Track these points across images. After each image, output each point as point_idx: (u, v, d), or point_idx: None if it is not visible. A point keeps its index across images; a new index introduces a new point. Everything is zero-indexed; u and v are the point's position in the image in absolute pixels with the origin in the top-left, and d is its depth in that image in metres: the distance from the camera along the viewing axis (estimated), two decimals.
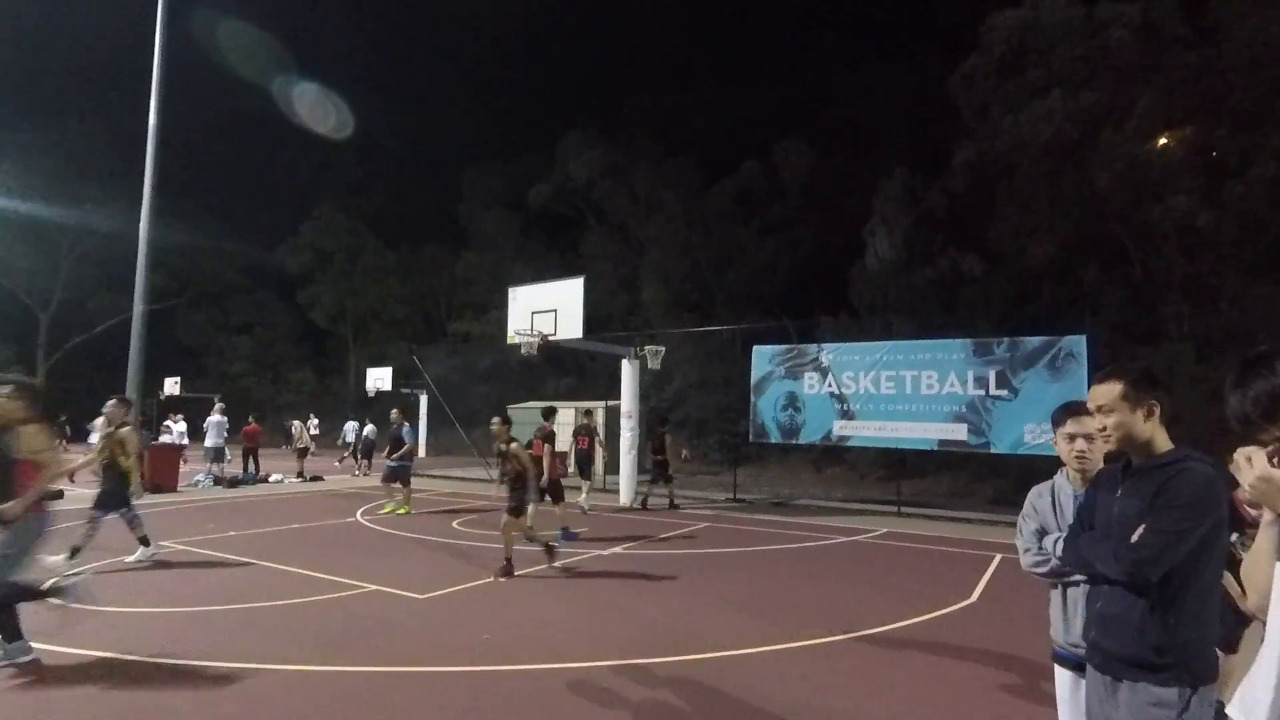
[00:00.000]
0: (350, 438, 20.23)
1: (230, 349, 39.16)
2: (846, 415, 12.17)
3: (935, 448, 11.72)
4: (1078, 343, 10.47)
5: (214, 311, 39.19)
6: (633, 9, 49.61)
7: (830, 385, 12.35)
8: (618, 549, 8.52)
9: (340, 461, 20.26)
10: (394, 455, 11.35)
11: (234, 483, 14.94)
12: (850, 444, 13.15)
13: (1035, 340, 10.82)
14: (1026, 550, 2.34)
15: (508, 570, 6.89)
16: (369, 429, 18.69)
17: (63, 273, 35.14)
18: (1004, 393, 10.79)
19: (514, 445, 7.32)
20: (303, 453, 17.08)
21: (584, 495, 11.62)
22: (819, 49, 41.78)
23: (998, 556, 8.34)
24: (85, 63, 35.87)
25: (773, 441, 13.54)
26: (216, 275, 37.83)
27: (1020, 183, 18.36)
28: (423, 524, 10.22)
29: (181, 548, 8.05)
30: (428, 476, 18.08)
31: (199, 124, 33.47)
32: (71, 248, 34.20)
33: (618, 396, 13.70)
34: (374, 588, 6.31)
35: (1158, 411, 1.90)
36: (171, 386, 25.64)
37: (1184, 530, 1.76)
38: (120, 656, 4.45)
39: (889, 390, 11.77)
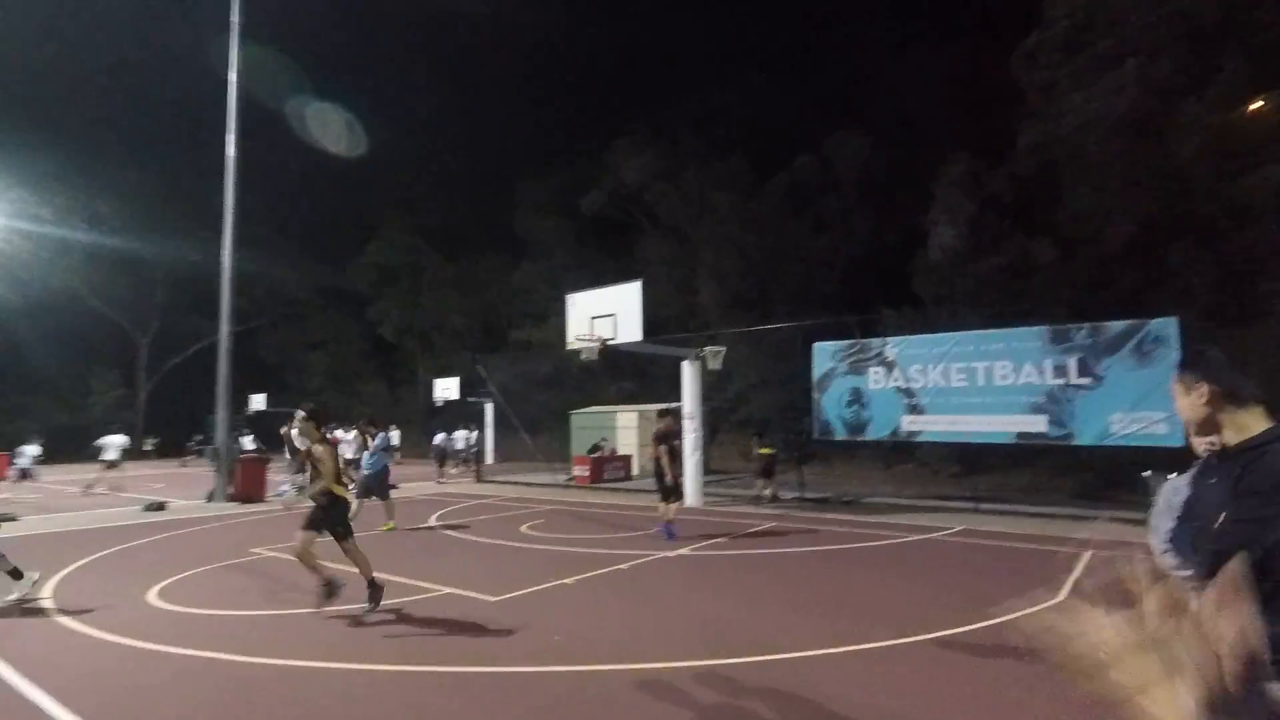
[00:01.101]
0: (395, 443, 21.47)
1: (308, 365, 41.24)
2: (915, 410, 11.81)
3: (1013, 441, 11.22)
4: (1167, 326, 9.84)
5: (292, 330, 41.34)
6: (674, 9, 49.63)
7: (896, 379, 12.01)
8: (684, 550, 8.52)
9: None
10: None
11: None
12: (920, 439, 12.75)
13: (1118, 325, 10.23)
14: (1165, 551, 2.17)
15: (332, 590, 5.69)
16: (440, 436, 19.40)
17: (158, 300, 37.82)
18: (1086, 381, 10.24)
19: (320, 449, 6.02)
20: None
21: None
22: (867, 35, 40.69)
23: (1088, 554, 7.92)
24: (169, 101, 38.48)
25: (838, 439, 13.26)
26: (292, 296, 39.95)
27: (1092, 162, 17.41)
28: (492, 528, 10.48)
29: (270, 554, 8.51)
30: (494, 482, 18.52)
31: (269, 152, 35.33)
32: (165, 275, 36.73)
33: (678, 399, 13.71)
34: (448, 590, 6.51)
35: (1207, 393, 1.79)
36: (257, 402, 27.11)
37: (1265, 518, 1.61)
38: (214, 655, 4.74)
39: (960, 382, 11.35)
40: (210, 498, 14.34)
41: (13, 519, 11.92)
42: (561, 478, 18.09)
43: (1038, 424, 10.66)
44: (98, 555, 8.51)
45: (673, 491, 9.42)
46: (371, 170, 47.53)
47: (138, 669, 4.54)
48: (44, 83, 34.84)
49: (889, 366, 12.13)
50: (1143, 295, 15.27)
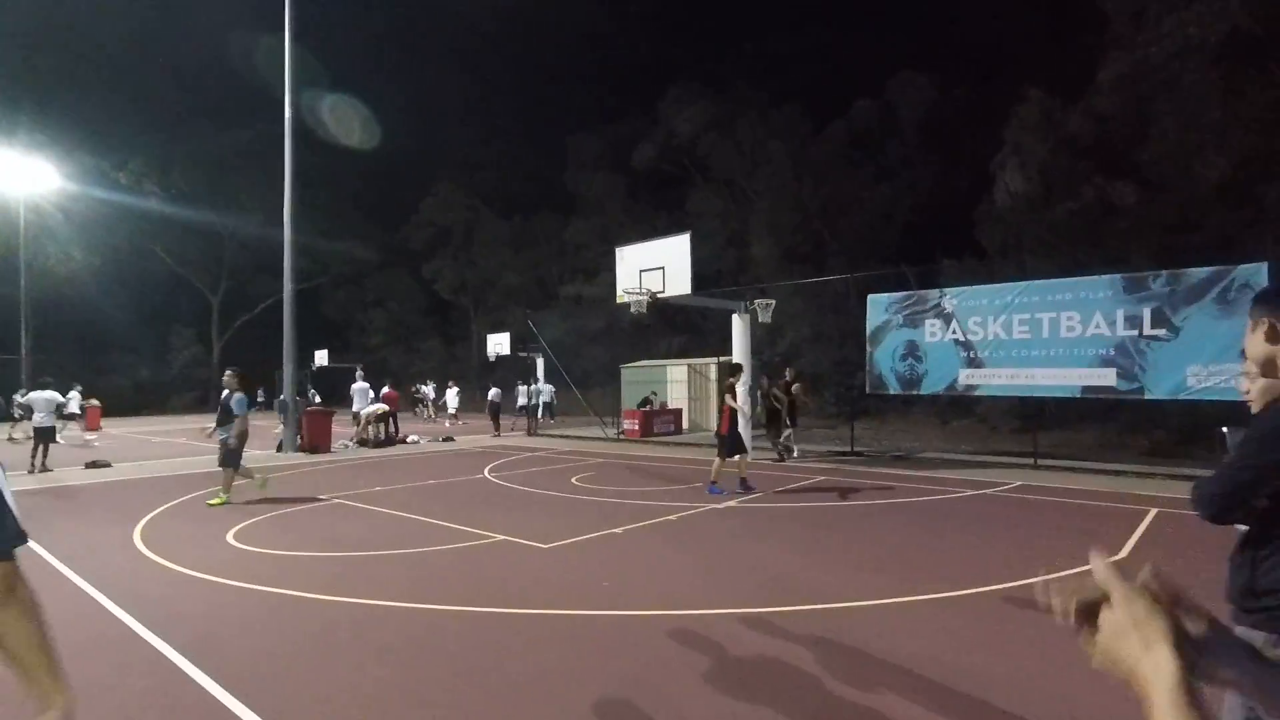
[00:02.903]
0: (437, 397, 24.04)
1: (368, 323, 42.63)
2: (973, 363, 11.40)
3: (1078, 395, 10.74)
4: (1255, 272, 9.12)
5: (352, 289, 42.65)
6: None
7: (954, 332, 11.58)
8: (732, 503, 8.57)
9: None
10: (223, 431, 8.76)
11: (378, 444, 16.39)
12: (978, 394, 12.35)
13: (1201, 272, 9.54)
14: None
15: None
16: (494, 392, 19.93)
17: (226, 261, 39.54)
18: (1161, 332, 9.65)
19: None
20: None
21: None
22: None
23: (1153, 511, 7.61)
24: (235, 73, 39.39)
25: (891, 393, 12.96)
26: (352, 256, 41.07)
27: (1185, 94, 16.02)
28: (543, 480, 10.75)
29: (338, 501, 8.98)
30: (546, 436, 18.94)
31: (326, 116, 35.91)
32: (231, 237, 38.29)
33: (729, 353, 13.62)
34: (501, 538, 6.75)
35: (1266, 327, 1.67)
36: (321, 358, 28.26)
37: (1245, 465, 1.64)
38: (288, 592, 5.06)
39: (1023, 335, 10.86)
40: (280, 448, 15.16)
41: (107, 465, 12.91)
42: (612, 431, 18.34)
43: (1105, 377, 10.15)
44: (182, 500, 9.15)
45: (725, 446, 9.30)
46: (427, 130, 47.82)
47: (223, 603, 4.89)
48: (117, 53, 36.10)
49: (947, 319, 11.70)
50: (1235, 240, 14.19)
